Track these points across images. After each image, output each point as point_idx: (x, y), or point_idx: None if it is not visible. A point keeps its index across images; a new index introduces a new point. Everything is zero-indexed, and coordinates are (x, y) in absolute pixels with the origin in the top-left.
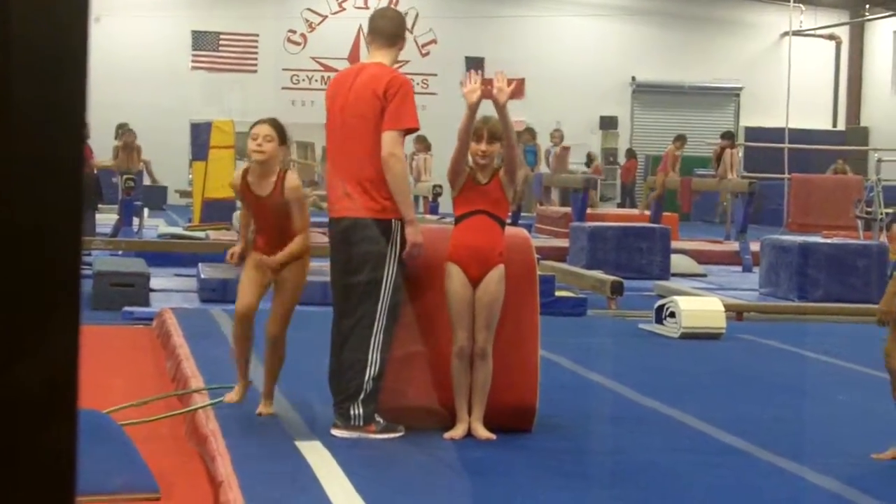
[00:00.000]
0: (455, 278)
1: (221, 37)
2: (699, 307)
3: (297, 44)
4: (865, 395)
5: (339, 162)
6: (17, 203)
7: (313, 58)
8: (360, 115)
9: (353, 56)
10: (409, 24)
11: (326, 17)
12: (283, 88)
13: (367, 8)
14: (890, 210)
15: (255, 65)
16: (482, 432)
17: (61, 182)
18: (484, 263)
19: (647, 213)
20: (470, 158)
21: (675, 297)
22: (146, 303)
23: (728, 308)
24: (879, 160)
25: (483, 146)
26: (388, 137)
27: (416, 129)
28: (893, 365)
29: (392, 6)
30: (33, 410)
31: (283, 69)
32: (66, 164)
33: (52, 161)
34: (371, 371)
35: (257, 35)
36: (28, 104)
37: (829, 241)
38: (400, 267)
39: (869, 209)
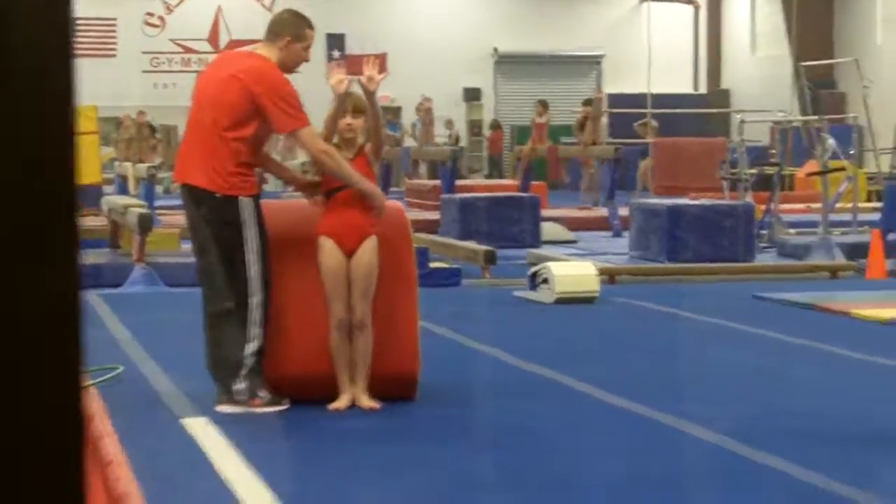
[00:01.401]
0: (328, 251)
1: (78, 22)
2: (572, 272)
3: (156, 26)
4: (735, 349)
5: None
6: (14, 138)
7: (172, 40)
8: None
9: (213, 37)
10: (268, 2)
11: None
12: (144, 72)
13: None
14: (753, 171)
15: (115, 49)
16: (366, 402)
17: (54, 113)
18: (357, 235)
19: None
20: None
21: (548, 264)
22: None
23: (600, 272)
24: (742, 121)
25: (348, 119)
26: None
27: None
28: None
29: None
30: (37, 330)
31: (143, 52)
32: (58, 94)
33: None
34: (251, 346)
35: (115, 19)
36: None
37: (696, 202)
38: (262, 239)
39: (734, 170)
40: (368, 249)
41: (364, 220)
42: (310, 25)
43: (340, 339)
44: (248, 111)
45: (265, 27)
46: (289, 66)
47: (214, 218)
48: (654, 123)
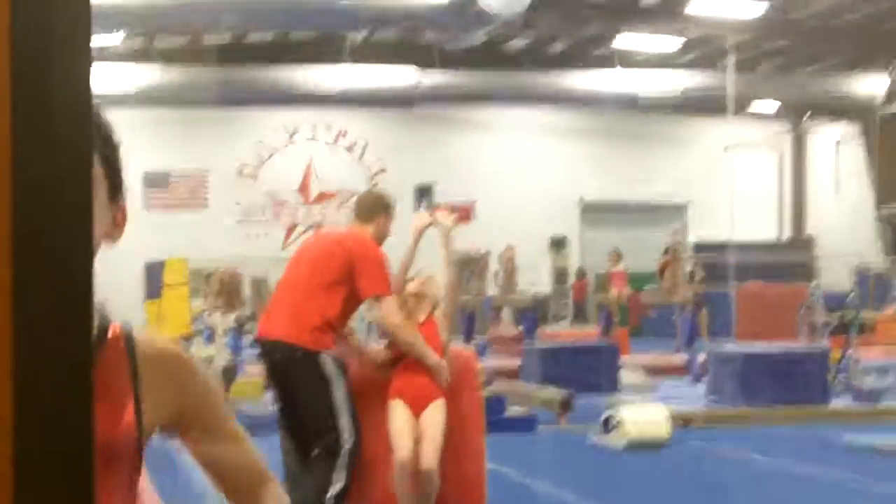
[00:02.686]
0: (398, 415)
1: (171, 176)
2: (643, 417)
3: (250, 177)
4: (804, 491)
5: None
6: None
7: (266, 192)
8: None
9: (304, 188)
10: (358, 154)
11: (277, 149)
12: (238, 222)
13: (315, 140)
14: (835, 315)
15: (207, 200)
16: None
17: None
18: (425, 398)
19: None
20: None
21: (621, 408)
22: None
23: (673, 417)
24: (818, 269)
25: (420, 279)
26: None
27: None
28: None
29: (342, 136)
30: None
31: (236, 203)
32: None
33: None
34: (335, 488)
35: (208, 171)
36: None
37: (771, 347)
38: (347, 389)
39: (813, 315)
40: (436, 410)
41: (431, 385)
42: (393, 201)
43: (403, 480)
44: (343, 275)
45: (351, 175)
46: (381, 240)
47: (298, 372)
48: (701, 275)
